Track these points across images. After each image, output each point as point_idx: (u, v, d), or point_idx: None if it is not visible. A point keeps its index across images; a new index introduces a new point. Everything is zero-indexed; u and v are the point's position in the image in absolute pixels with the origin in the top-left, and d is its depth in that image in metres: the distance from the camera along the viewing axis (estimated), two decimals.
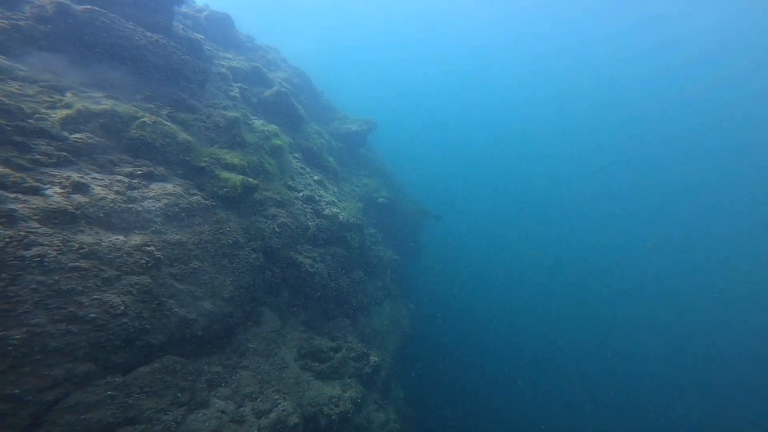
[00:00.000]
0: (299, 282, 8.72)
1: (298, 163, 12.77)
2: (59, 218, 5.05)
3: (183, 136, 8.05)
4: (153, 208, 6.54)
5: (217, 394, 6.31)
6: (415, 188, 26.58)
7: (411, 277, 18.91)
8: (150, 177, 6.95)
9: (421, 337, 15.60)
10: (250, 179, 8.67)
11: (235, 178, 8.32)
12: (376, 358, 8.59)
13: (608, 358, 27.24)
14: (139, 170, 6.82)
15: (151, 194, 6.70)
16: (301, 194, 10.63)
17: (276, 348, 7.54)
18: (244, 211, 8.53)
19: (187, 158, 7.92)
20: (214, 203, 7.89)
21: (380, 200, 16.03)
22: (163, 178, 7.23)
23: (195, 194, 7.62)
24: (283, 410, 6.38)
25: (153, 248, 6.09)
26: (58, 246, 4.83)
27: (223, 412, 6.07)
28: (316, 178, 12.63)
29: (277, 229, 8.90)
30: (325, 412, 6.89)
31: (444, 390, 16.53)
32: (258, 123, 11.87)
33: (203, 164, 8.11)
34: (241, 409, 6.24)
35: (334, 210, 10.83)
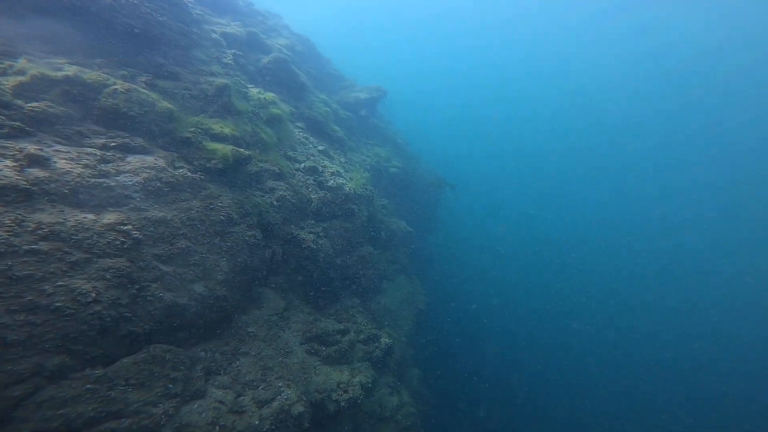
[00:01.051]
0: (302, 259, 8.02)
1: (301, 133, 11.85)
2: (11, 195, 4.40)
3: (163, 104, 7.24)
4: (130, 183, 5.85)
5: (215, 383, 5.80)
6: (429, 157, 25.31)
7: (427, 250, 18.06)
8: (126, 149, 6.23)
9: (438, 314, 14.91)
10: (242, 150, 7.86)
11: (225, 148, 7.53)
12: (387, 340, 7.93)
13: (623, 341, 26.03)
14: (113, 142, 6.10)
15: (127, 168, 6.00)
16: (302, 165, 9.78)
17: (279, 332, 6.95)
18: (238, 184, 7.78)
19: (169, 128, 7.14)
20: (203, 177, 7.15)
21: (392, 170, 15.01)
22: (142, 151, 6.50)
23: (181, 167, 6.89)
24: (286, 399, 5.83)
25: (130, 227, 5.44)
26: (9, 226, 4.20)
27: (221, 402, 5.56)
28: (320, 148, 11.71)
29: (275, 203, 8.15)
30: (334, 399, 6.33)
31: (462, 368, 15.99)
32: (254, 91, 10.92)
33: (188, 135, 7.32)
34: (241, 398, 5.72)
35: (340, 181, 9.95)
